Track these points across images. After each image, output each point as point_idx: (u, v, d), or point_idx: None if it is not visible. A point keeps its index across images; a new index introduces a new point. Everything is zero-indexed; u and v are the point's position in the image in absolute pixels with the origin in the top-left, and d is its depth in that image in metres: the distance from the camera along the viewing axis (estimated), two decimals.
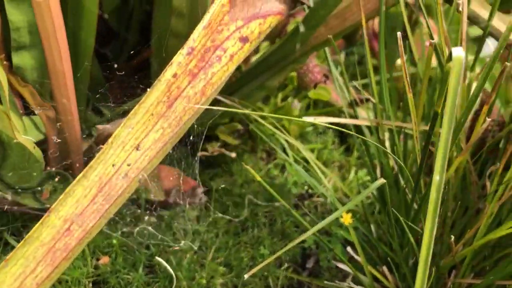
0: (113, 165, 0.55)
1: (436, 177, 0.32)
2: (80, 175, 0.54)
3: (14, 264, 0.51)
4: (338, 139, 1.15)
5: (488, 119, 0.59)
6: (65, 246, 0.53)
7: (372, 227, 0.86)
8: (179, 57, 0.58)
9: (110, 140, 0.55)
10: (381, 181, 0.61)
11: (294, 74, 0.99)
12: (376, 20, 1.21)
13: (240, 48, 0.59)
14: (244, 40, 0.59)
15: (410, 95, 0.62)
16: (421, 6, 0.67)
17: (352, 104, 0.80)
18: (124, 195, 0.55)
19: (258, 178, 0.63)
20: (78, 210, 0.53)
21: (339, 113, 1.12)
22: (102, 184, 0.54)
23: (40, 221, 0.53)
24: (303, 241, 0.95)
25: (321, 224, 0.62)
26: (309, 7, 0.74)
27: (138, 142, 0.55)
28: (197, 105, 0.58)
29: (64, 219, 0.53)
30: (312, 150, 1.09)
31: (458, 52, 0.29)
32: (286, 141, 1.03)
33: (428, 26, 0.65)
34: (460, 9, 0.61)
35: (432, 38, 0.66)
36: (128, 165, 0.55)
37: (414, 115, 0.67)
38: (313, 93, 0.97)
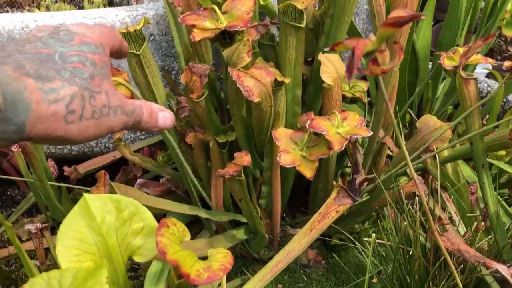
0: (287, 253, 1.71)
1: None
2: (275, 257, 1.72)
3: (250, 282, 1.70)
4: None
5: None
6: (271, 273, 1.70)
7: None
8: (316, 215, 1.74)
9: (289, 243, 1.72)
10: None
11: (373, 213, 2.06)
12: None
13: (336, 214, 1.72)
14: (337, 211, 1.72)
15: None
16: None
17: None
18: (284, 264, 1.71)
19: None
20: (271, 267, 1.70)
21: None
22: (282, 260, 1.71)
23: (264, 268, 1.71)
24: None
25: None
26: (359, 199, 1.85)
27: (297, 243, 1.71)
28: (319, 231, 1.72)
29: (270, 268, 1.70)
30: None
31: None
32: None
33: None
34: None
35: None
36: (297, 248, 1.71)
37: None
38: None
